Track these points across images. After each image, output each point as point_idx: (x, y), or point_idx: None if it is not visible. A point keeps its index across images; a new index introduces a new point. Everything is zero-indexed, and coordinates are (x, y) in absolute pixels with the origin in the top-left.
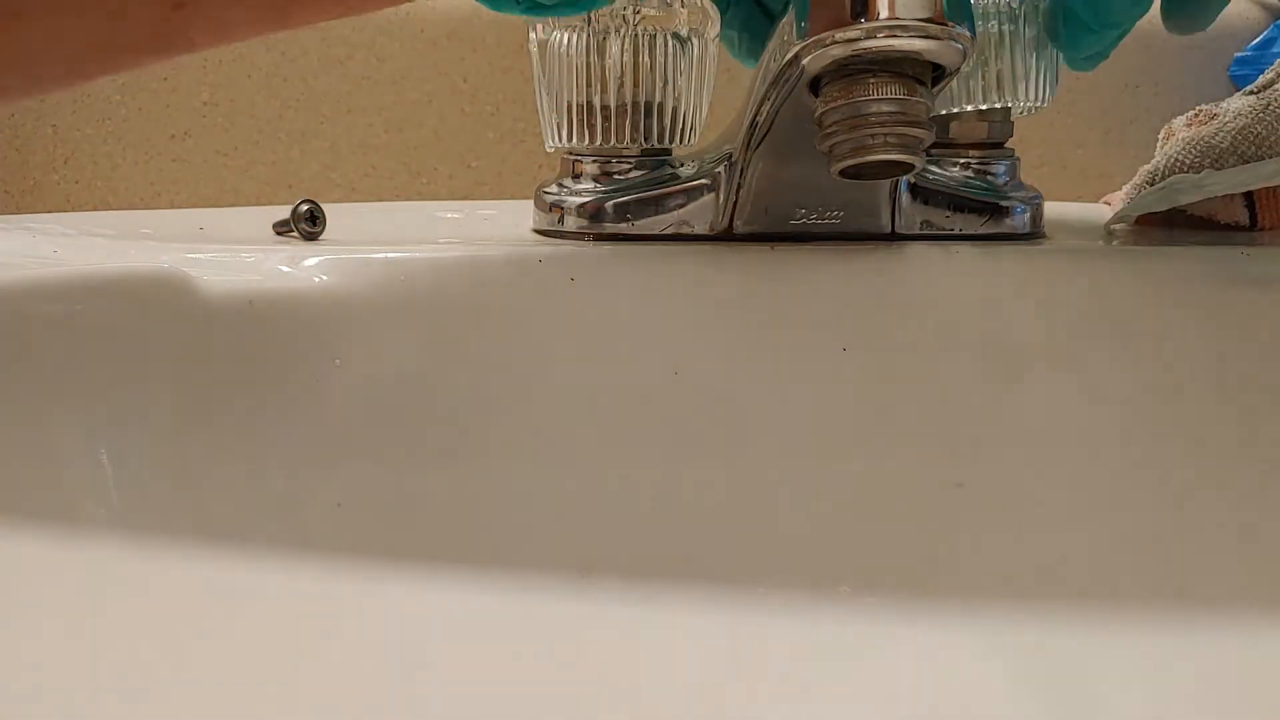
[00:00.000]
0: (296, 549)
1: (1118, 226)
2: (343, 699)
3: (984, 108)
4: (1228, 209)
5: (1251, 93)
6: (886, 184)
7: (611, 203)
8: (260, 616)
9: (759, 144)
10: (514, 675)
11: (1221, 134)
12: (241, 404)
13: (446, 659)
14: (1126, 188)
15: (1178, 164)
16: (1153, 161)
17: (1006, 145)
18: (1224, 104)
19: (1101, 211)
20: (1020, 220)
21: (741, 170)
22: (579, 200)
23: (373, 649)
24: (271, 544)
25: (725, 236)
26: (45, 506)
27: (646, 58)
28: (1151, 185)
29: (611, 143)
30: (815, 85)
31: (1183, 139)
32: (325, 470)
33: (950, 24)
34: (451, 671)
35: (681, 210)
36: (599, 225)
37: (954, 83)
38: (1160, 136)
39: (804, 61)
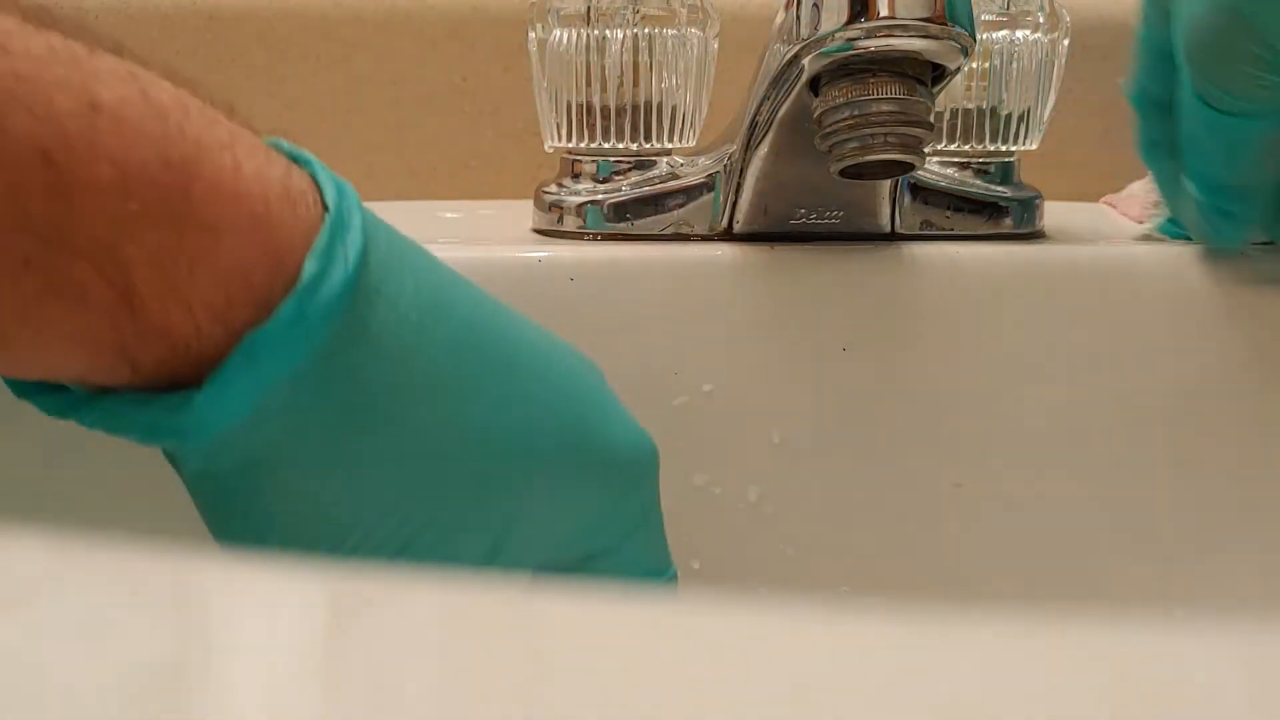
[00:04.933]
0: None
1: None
2: (344, 698)
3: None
4: None
5: None
6: (886, 184)
7: (611, 203)
8: (261, 616)
9: (759, 144)
10: (513, 675)
11: None
12: None
13: (446, 659)
14: (1130, 188)
15: None
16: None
17: None
18: None
19: (1102, 211)
20: (1020, 220)
21: (741, 170)
22: (578, 200)
23: (373, 649)
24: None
25: (725, 236)
26: (45, 506)
27: (646, 58)
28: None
29: (611, 143)
30: (815, 85)
31: None
32: None
33: (950, 24)
34: (451, 671)
35: (681, 210)
36: (599, 225)
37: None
38: None
39: (804, 61)
